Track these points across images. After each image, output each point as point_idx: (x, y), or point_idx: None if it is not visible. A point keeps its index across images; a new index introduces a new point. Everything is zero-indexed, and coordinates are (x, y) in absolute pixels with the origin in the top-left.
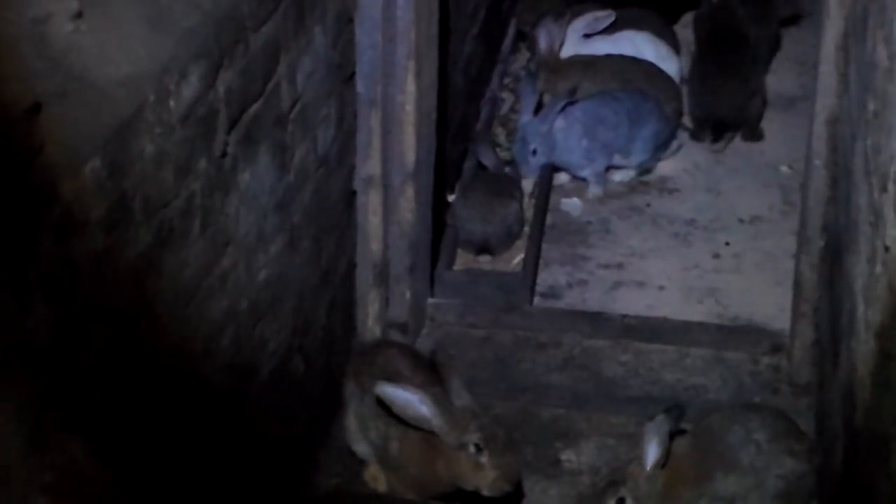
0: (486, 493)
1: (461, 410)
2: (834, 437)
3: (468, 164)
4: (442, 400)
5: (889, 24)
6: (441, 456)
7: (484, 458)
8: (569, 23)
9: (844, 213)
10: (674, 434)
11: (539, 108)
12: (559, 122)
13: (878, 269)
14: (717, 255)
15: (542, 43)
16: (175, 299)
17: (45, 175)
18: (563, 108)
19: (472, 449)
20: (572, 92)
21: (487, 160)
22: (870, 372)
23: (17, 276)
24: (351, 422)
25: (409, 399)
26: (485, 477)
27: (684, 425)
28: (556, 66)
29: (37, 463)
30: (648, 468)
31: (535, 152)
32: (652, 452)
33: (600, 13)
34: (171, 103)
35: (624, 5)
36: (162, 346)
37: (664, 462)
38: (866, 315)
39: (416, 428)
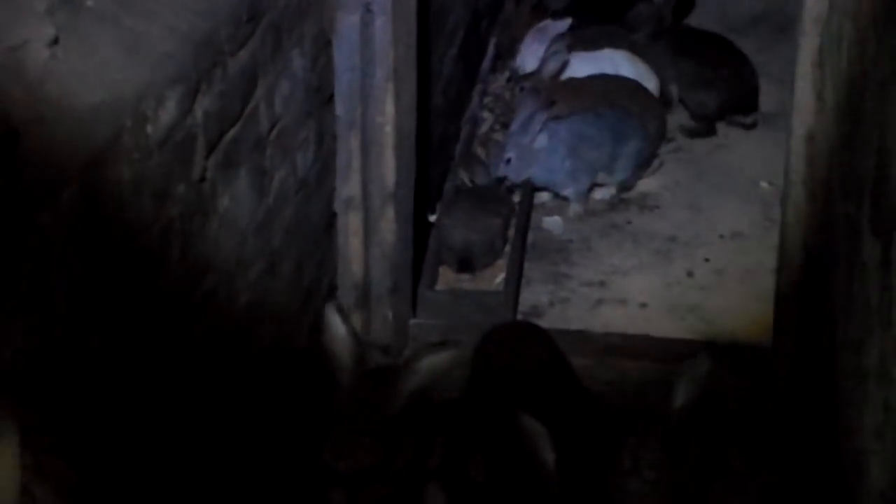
0: None
1: None
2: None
3: (448, 185)
4: None
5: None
6: None
7: None
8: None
9: (823, 229)
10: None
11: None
12: (542, 142)
13: (857, 285)
14: (690, 274)
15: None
16: (154, 326)
17: (21, 203)
18: (545, 125)
19: None
20: (551, 104)
21: (477, 177)
22: (848, 388)
23: None
24: None
25: None
26: None
27: None
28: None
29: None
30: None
31: (508, 161)
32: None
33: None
34: (149, 129)
35: (598, 23)
36: (140, 377)
37: None
38: (846, 331)
39: None
